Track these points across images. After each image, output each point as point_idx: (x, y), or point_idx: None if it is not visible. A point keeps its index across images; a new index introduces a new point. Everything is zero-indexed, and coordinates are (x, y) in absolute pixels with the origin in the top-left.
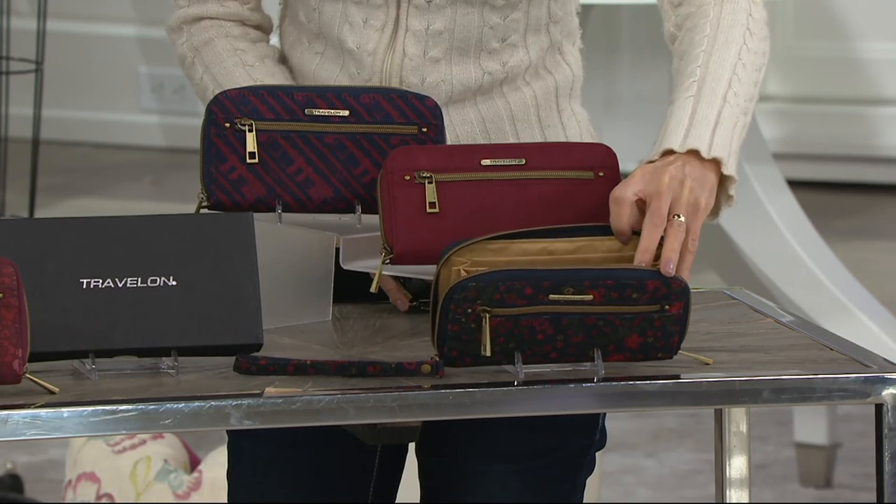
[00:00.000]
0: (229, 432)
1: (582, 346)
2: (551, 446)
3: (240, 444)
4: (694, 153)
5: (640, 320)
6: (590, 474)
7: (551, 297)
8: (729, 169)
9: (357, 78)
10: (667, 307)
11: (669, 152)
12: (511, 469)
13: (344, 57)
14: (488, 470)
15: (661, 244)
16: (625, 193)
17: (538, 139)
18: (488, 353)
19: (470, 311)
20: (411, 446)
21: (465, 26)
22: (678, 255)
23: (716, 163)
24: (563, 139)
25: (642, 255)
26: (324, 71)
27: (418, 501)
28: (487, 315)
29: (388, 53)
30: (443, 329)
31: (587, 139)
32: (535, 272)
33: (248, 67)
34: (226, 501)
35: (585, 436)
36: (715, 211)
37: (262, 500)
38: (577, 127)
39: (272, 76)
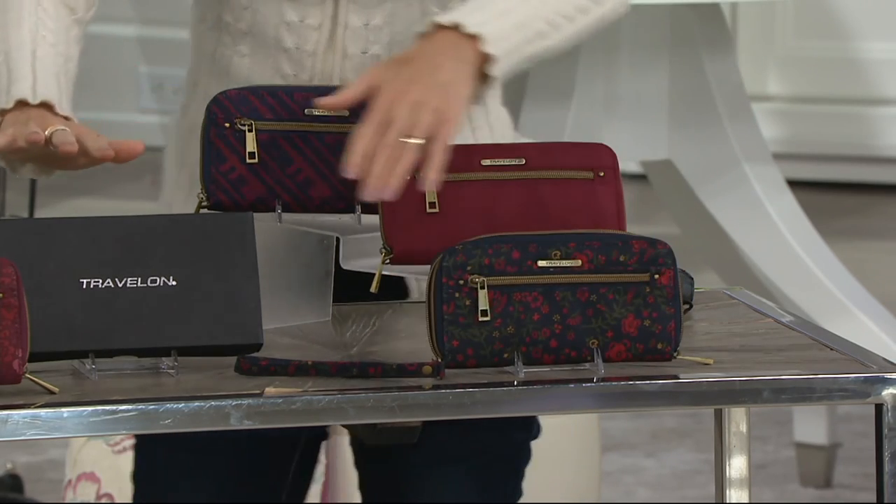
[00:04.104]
0: (138, 438)
1: (579, 330)
2: (496, 442)
3: (153, 449)
4: (457, 27)
5: (632, 294)
6: (527, 464)
7: (540, 263)
8: (491, 47)
9: (294, 80)
10: (656, 276)
11: (438, 27)
12: (458, 469)
13: (277, 57)
14: (435, 471)
15: None
16: (370, 130)
17: (469, 141)
18: (488, 318)
19: (462, 282)
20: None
21: (405, 20)
22: (401, 179)
23: (476, 39)
24: (490, 140)
25: (371, 180)
26: (255, 74)
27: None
28: (480, 281)
29: (328, 53)
30: (439, 313)
31: (509, 140)
32: (520, 235)
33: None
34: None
35: (526, 429)
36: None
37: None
38: (501, 128)
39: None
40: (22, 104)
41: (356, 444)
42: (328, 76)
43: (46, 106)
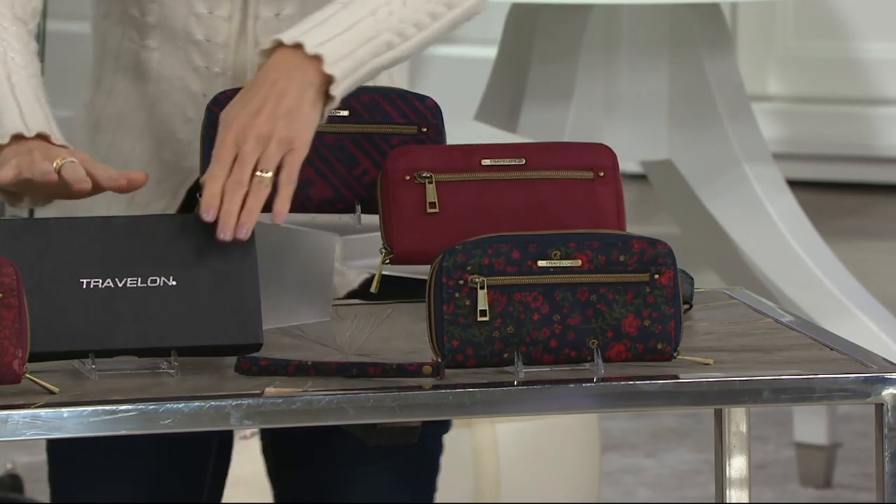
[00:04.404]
0: (49, 442)
1: (579, 330)
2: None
3: (68, 452)
4: (299, 47)
5: (632, 294)
6: (441, 457)
7: (540, 263)
8: (331, 68)
9: (206, 73)
10: (656, 276)
11: (279, 45)
12: (379, 468)
13: (187, 50)
14: (357, 473)
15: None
16: (219, 170)
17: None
18: (487, 318)
19: (462, 282)
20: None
21: (317, 9)
22: (255, 216)
23: (318, 59)
24: (387, 83)
25: (223, 220)
26: (165, 67)
27: None
28: (480, 281)
29: (239, 44)
30: (439, 313)
31: (406, 84)
32: (520, 235)
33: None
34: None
35: (440, 423)
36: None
37: None
38: (399, 75)
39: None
40: (18, 137)
41: (269, 452)
42: (241, 68)
43: (42, 137)
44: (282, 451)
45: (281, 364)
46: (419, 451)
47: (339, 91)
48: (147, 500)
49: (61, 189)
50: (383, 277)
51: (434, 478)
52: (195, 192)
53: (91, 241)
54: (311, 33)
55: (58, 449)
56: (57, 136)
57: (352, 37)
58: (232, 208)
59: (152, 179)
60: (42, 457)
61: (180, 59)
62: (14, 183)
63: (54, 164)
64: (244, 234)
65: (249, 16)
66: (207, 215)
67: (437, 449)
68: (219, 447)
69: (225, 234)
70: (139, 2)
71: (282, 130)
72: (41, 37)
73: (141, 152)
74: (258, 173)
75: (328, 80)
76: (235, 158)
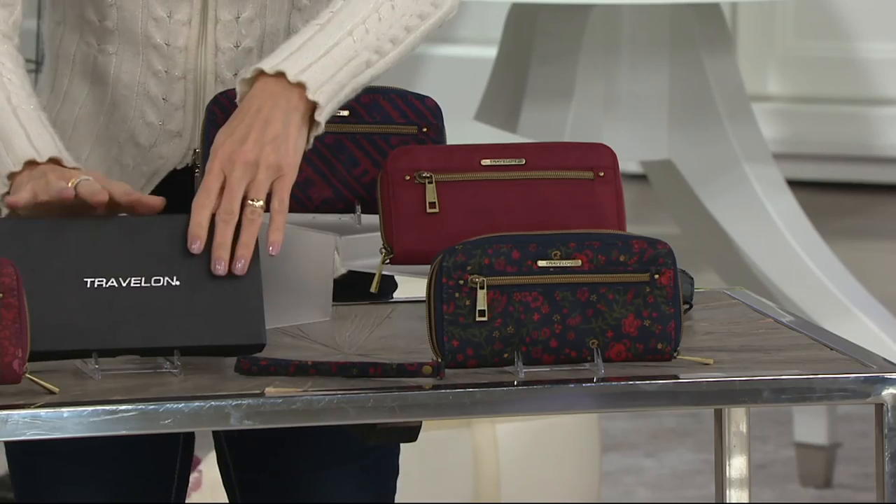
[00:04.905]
0: (9, 450)
1: (579, 330)
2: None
3: (30, 460)
4: (281, 75)
5: (632, 294)
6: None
7: (540, 263)
8: (314, 95)
9: (165, 76)
10: (656, 276)
11: (260, 73)
12: (344, 471)
13: (147, 54)
14: (321, 476)
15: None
16: (206, 199)
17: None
18: (486, 318)
19: (462, 282)
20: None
21: (276, 11)
22: (251, 249)
23: (301, 87)
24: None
25: (217, 253)
26: (125, 73)
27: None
28: (480, 281)
29: (199, 48)
30: (439, 313)
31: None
32: (520, 235)
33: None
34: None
35: None
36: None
37: None
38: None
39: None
40: (30, 163)
41: (225, 457)
42: (202, 71)
43: (54, 161)
44: (241, 455)
45: (281, 364)
46: (387, 453)
47: (323, 116)
48: (118, 502)
49: (78, 207)
50: (357, 272)
51: (394, 479)
52: (156, 195)
53: (95, 240)
54: (292, 60)
55: (19, 456)
56: (67, 159)
57: (332, 60)
58: (225, 241)
59: None
60: None
61: (140, 63)
62: (31, 206)
63: (69, 184)
64: (240, 270)
65: (209, 19)
66: (193, 246)
67: (396, 451)
68: (184, 445)
69: (220, 268)
70: (97, 7)
71: (269, 157)
72: (37, 38)
73: (99, 157)
74: (249, 202)
75: (312, 107)
76: (223, 187)
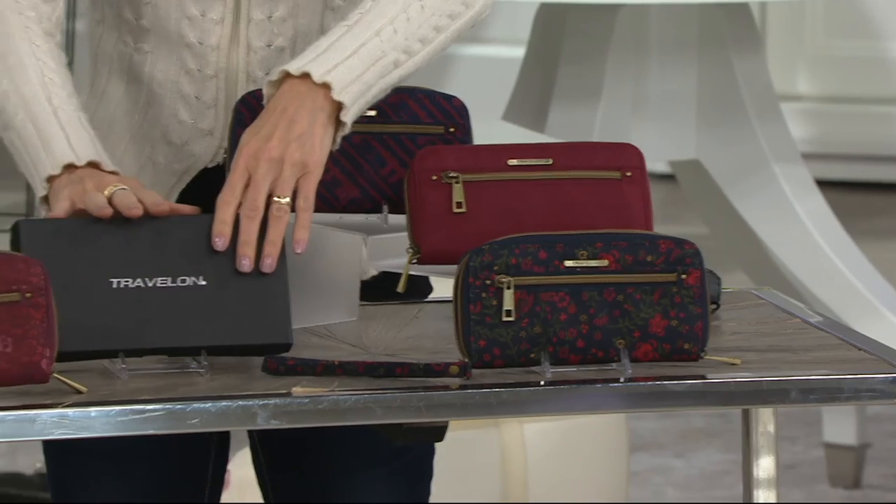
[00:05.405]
0: (46, 448)
1: (606, 330)
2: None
3: (65, 458)
4: (307, 76)
5: (659, 294)
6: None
7: (566, 263)
8: (340, 95)
9: (198, 75)
10: (683, 276)
11: (286, 75)
12: (375, 474)
13: (180, 52)
14: (353, 478)
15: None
16: (230, 195)
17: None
18: (513, 318)
19: (489, 282)
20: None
21: (309, 11)
22: (278, 247)
23: (326, 87)
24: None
25: (242, 250)
26: (159, 72)
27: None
28: (507, 281)
29: (232, 47)
30: (466, 313)
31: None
32: (547, 235)
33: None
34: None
35: None
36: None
37: None
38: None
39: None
40: (69, 167)
41: (259, 456)
42: (234, 70)
43: (93, 165)
44: (273, 455)
45: (308, 364)
46: (418, 456)
47: (349, 117)
48: (150, 502)
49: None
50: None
51: (428, 482)
52: (187, 194)
53: (121, 240)
54: (318, 61)
55: (55, 452)
56: (106, 162)
57: (358, 60)
58: (250, 238)
59: (145, 182)
60: None
61: (174, 62)
62: (68, 214)
63: (105, 192)
64: (268, 267)
65: (241, 18)
66: (218, 242)
67: (431, 452)
68: (218, 447)
69: (245, 263)
70: (133, 5)
71: (294, 154)
72: (70, 38)
73: (133, 155)
74: (275, 199)
75: (338, 107)
76: (248, 184)
